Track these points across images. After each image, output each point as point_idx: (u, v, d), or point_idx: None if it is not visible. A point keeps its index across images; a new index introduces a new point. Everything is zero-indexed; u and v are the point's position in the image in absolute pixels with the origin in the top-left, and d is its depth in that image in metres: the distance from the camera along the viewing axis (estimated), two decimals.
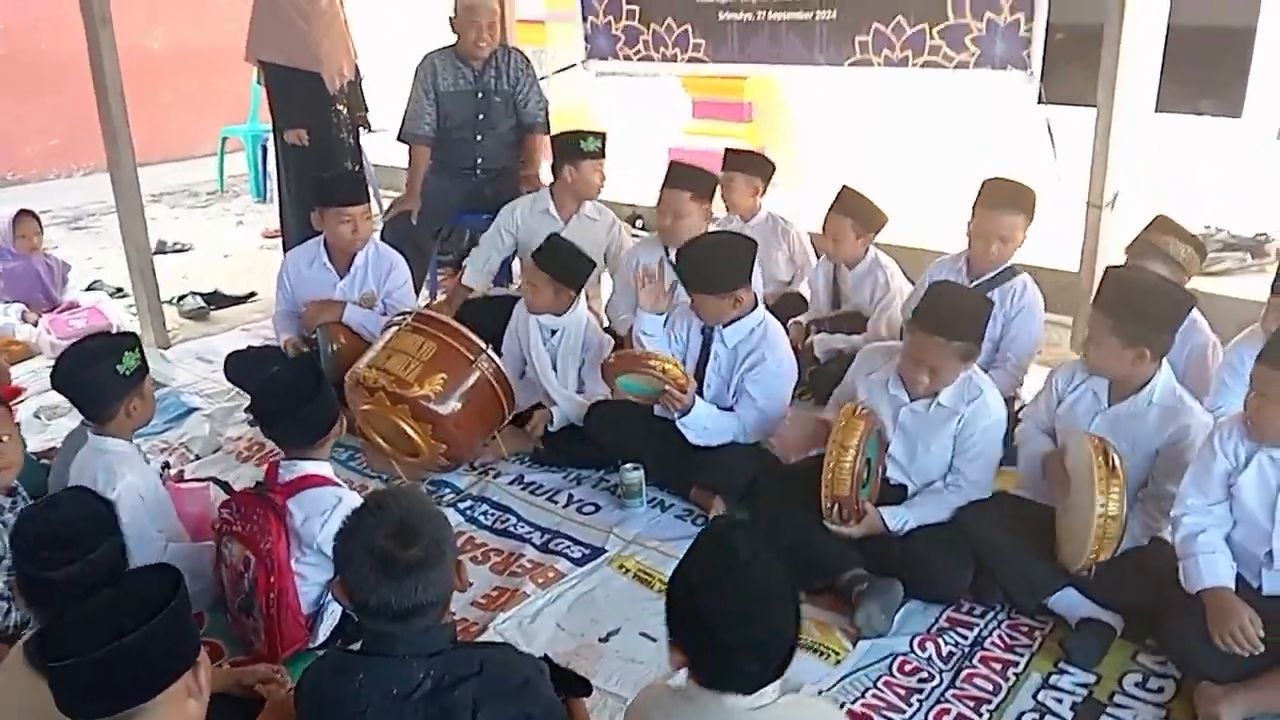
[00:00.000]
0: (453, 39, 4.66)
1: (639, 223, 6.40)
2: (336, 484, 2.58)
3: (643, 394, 3.16)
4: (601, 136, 4.25)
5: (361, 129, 5.21)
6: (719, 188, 4.16)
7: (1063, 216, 4.16)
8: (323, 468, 2.57)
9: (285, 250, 5.40)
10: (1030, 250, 3.60)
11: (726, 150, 4.50)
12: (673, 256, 3.81)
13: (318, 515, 2.44)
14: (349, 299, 3.87)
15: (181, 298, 5.25)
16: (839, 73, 4.70)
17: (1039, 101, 5.82)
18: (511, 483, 3.49)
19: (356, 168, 5.15)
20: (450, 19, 4.66)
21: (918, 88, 5.76)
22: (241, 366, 3.88)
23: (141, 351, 2.68)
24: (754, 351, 3.20)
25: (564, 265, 3.55)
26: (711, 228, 3.94)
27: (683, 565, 1.71)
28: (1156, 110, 4.87)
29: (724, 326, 3.23)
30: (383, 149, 7.40)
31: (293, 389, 2.54)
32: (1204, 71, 5.66)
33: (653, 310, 3.38)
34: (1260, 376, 2.29)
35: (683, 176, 3.88)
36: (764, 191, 4.41)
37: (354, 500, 2.44)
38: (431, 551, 1.75)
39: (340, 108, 5.01)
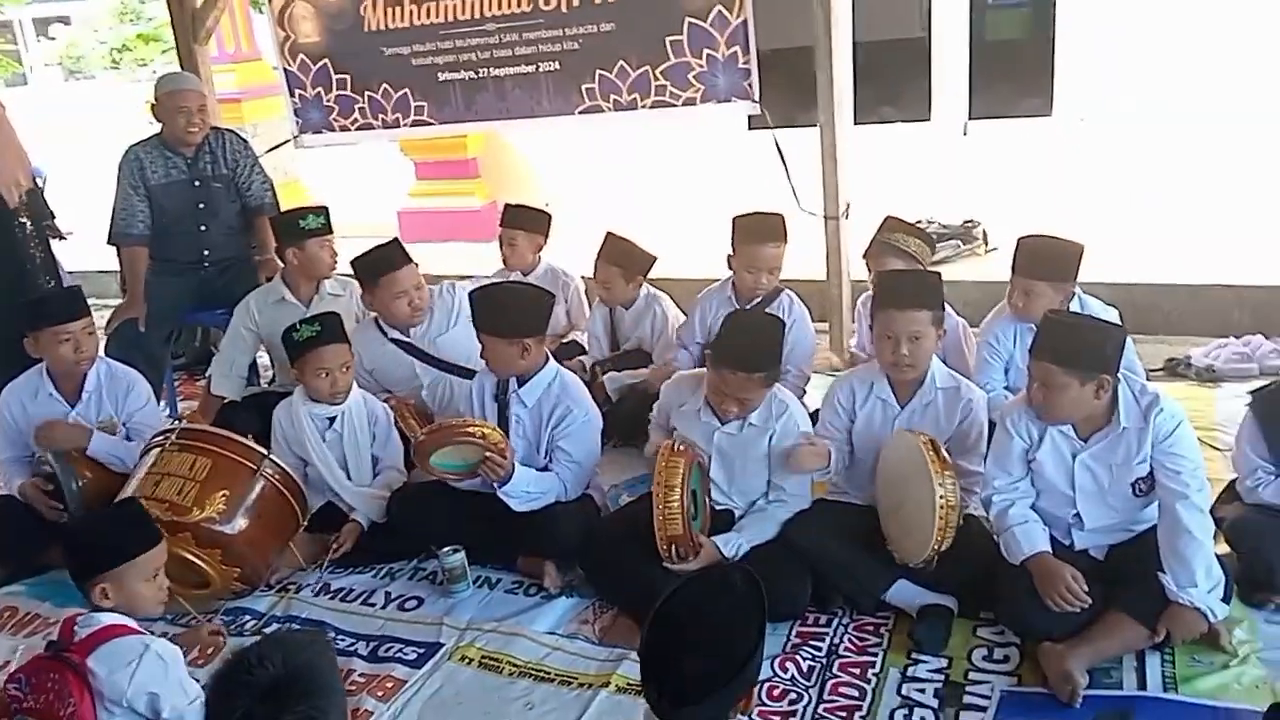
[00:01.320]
0: (156, 128, 4.30)
1: None
2: (140, 632, 2.26)
3: (459, 470, 2.99)
4: (323, 211, 4.04)
5: (52, 239, 4.67)
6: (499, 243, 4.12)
7: (798, 230, 4.38)
8: (124, 619, 2.25)
9: None
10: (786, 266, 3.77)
11: (506, 207, 4.44)
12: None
13: (123, 667, 2.14)
14: (89, 427, 3.44)
15: None
16: (569, 121, 4.73)
17: (750, 127, 6.23)
18: (318, 594, 3.18)
19: (52, 282, 4.62)
20: (151, 105, 4.30)
21: (642, 124, 5.98)
22: None
23: None
24: (557, 406, 3.12)
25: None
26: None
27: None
28: (855, 123, 5.24)
29: (519, 387, 3.14)
30: (84, 255, 6.77)
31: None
32: (890, 82, 6.22)
33: None
34: (1039, 371, 2.48)
35: (386, 260, 3.69)
36: (544, 245, 4.40)
37: (162, 647, 2.22)
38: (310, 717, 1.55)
39: (23, 220, 4.47)
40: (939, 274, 3.00)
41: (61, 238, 4.71)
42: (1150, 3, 5.51)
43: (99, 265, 6.59)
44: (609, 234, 4.07)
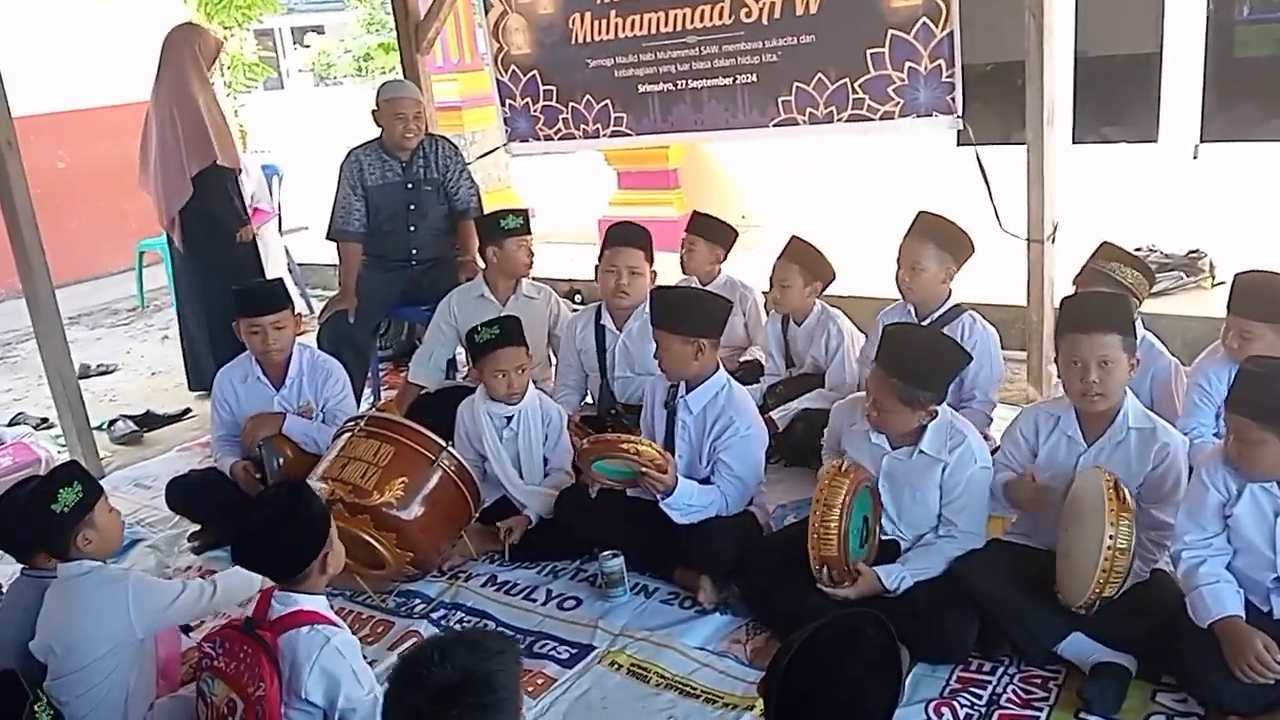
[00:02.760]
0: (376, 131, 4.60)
1: (578, 297, 6.34)
2: (331, 620, 2.35)
3: (621, 477, 3.04)
4: (522, 214, 4.20)
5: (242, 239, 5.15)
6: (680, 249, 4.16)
7: (1001, 253, 4.18)
8: (318, 602, 2.36)
9: (189, 375, 5.33)
10: (977, 288, 3.59)
11: (693, 214, 4.47)
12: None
13: (305, 663, 2.23)
14: (288, 411, 3.70)
15: (112, 422, 4.98)
16: (764, 133, 4.70)
17: (959, 144, 5.98)
18: (485, 584, 3.31)
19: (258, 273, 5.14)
20: (373, 112, 4.59)
21: (847, 141, 5.88)
22: (184, 493, 3.67)
23: (83, 482, 2.54)
24: (720, 416, 3.11)
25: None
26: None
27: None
28: (1074, 142, 4.97)
29: (687, 392, 3.15)
30: (310, 248, 7.33)
31: (266, 521, 2.35)
32: (1115, 100, 5.84)
33: None
34: (1234, 424, 2.28)
35: (629, 235, 3.82)
36: (725, 258, 4.40)
37: (344, 640, 2.30)
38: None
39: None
40: (1125, 296, 2.79)
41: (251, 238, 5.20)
42: None
43: (325, 259, 7.12)
44: (794, 237, 4.01)
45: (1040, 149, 4.02)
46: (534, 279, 4.42)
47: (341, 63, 23.75)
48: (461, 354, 4.59)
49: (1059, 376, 3.77)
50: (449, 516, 3.23)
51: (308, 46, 26.13)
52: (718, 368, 3.17)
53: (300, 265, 6.96)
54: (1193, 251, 4.98)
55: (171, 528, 3.87)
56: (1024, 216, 4.13)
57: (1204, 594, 2.35)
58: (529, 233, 4.20)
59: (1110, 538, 2.34)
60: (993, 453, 2.95)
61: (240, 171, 5.20)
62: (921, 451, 2.80)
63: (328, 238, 4.71)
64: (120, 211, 8.37)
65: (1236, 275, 2.93)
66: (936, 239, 3.47)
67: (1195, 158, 5.54)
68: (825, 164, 6.54)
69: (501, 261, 4.15)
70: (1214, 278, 4.94)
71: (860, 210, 6.44)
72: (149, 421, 5.02)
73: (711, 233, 4.35)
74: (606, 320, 3.87)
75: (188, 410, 5.16)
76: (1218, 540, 2.41)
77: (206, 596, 2.63)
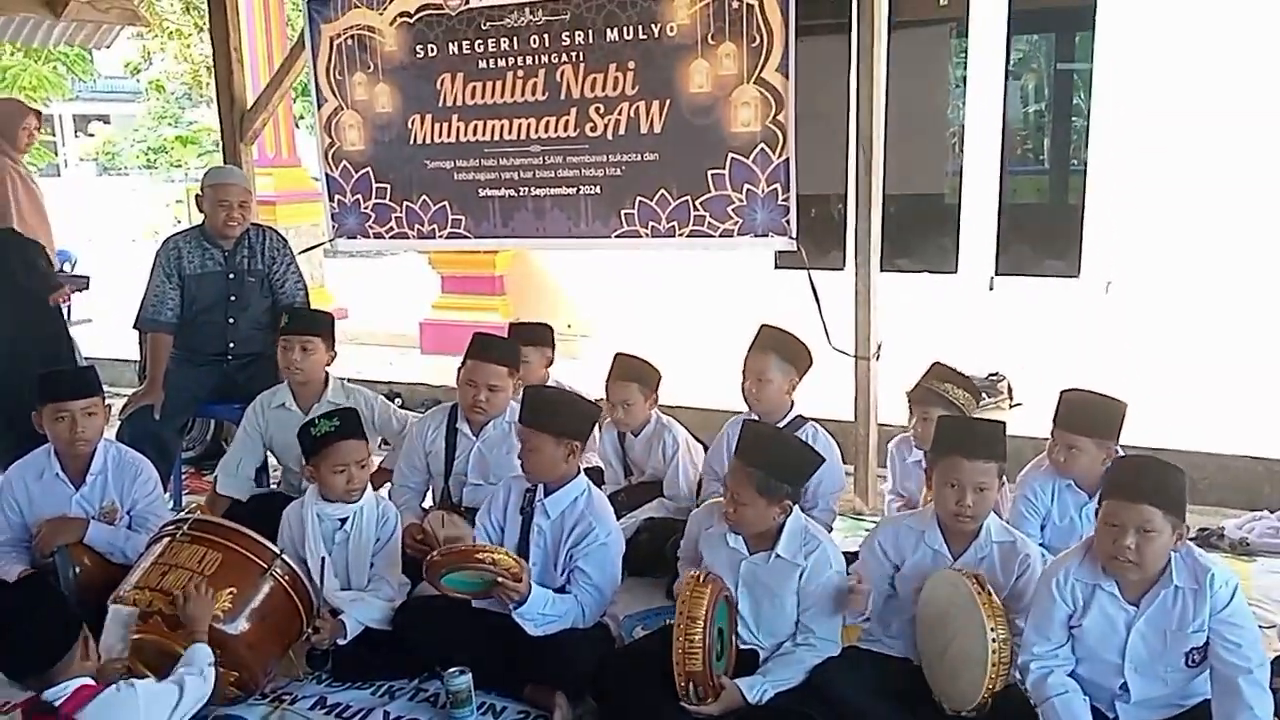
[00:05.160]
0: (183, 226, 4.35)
1: (398, 401, 6.10)
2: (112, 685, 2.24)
3: (471, 589, 2.88)
4: (293, 312, 4.04)
5: (78, 291, 4.77)
6: None
7: (824, 370, 4.35)
8: (86, 680, 2.22)
9: None
10: (802, 402, 3.71)
11: (510, 325, 4.41)
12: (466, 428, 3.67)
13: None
14: (89, 513, 3.35)
15: None
16: (608, 243, 4.77)
17: (776, 266, 6.30)
18: (313, 707, 3.01)
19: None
20: (196, 197, 4.35)
21: (673, 258, 6.06)
22: None
23: None
24: (580, 522, 3.02)
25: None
26: None
27: None
28: (884, 270, 5.31)
29: (546, 496, 3.05)
30: (103, 342, 6.77)
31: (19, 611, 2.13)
32: (917, 233, 6.33)
33: None
34: (1111, 511, 2.37)
35: (494, 349, 3.68)
36: (552, 361, 4.35)
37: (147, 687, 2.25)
38: None
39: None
40: (1004, 424, 2.95)
41: (85, 287, 4.80)
42: (1182, 174, 5.61)
43: (117, 353, 6.58)
44: (619, 354, 4.02)
45: (867, 273, 4.27)
46: (350, 380, 4.21)
47: (129, 153, 22.65)
48: (272, 460, 4.28)
49: (890, 491, 3.98)
50: (279, 631, 2.95)
51: (91, 135, 24.82)
52: (578, 472, 3.10)
53: (87, 359, 6.39)
54: (993, 374, 5.38)
55: None
56: (846, 336, 4.35)
57: (1055, 705, 2.44)
58: (298, 332, 3.86)
59: (992, 630, 2.42)
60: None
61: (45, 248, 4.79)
62: (778, 555, 2.82)
63: (135, 327, 4.37)
64: None
65: (1063, 392, 3.17)
66: (780, 351, 3.59)
67: (991, 289, 6.05)
68: (648, 278, 6.71)
69: (283, 364, 3.90)
70: (1012, 399, 5.34)
71: (682, 323, 6.61)
72: None
73: (536, 337, 4.30)
74: (462, 425, 3.72)
75: None
76: (1063, 650, 2.51)
77: None
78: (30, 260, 4.62)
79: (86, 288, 5.13)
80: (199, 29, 16.06)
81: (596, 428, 4.32)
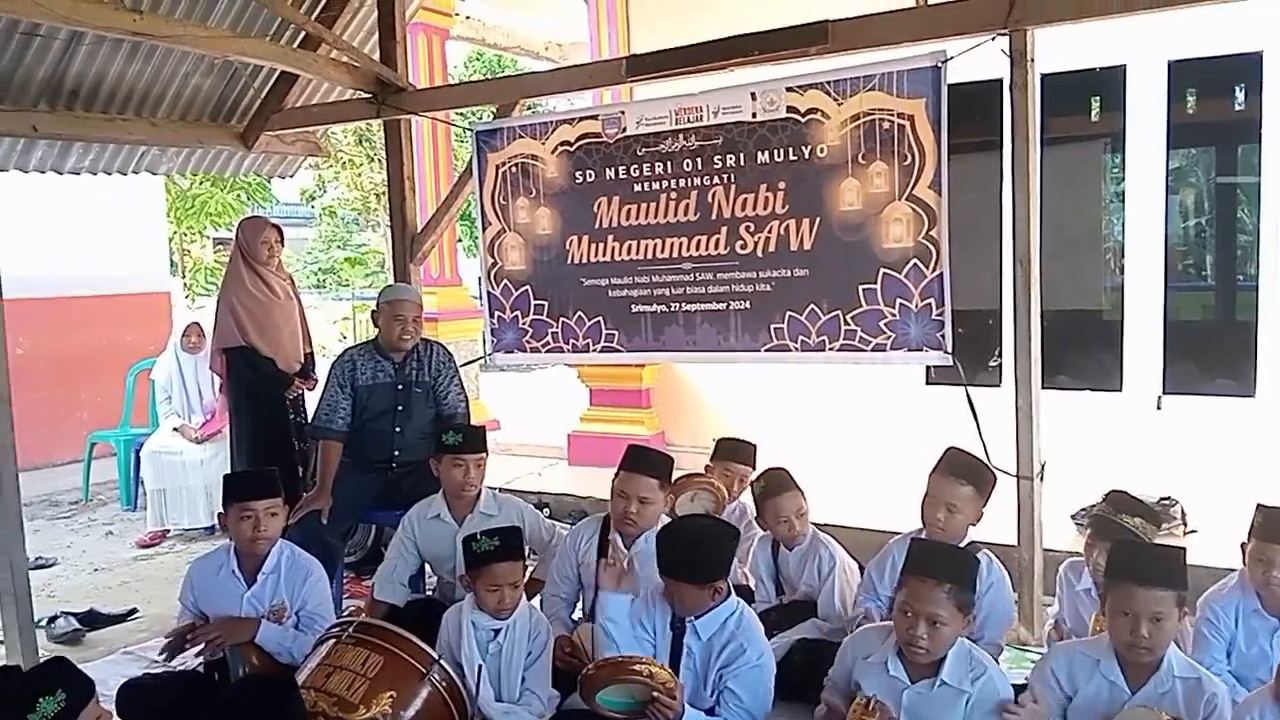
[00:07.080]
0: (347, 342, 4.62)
1: (546, 511, 6.19)
2: None
3: (626, 709, 2.85)
4: (466, 430, 4.08)
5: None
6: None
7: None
8: None
9: None
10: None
11: (718, 441, 4.54)
12: (617, 535, 3.67)
13: None
14: (258, 611, 3.50)
15: (51, 619, 4.61)
16: (757, 357, 4.80)
17: (928, 382, 6.19)
18: None
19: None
20: (372, 313, 4.63)
21: (819, 372, 6.03)
22: (137, 699, 3.36)
23: (69, 688, 2.29)
24: (730, 643, 2.99)
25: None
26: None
27: None
28: (1043, 387, 5.15)
29: (697, 618, 3.02)
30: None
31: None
32: (1077, 350, 6.13)
33: (617, 590, 3.15)
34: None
35: (646, 462, 3.72)
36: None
37: None
38: None
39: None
40: (1184, 549, 2.80)
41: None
42: None
43: None
44: (770, 470, 4.06)
45: (1029, 389, 4.15)
46: (501, 489, 4.31)
47: (300, 274, 24.19)
48: (427, 568, 4.40)
49: (1053, 616, 3.78)
50: None
51: None
52: (729, 593, 3.07)
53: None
54: (1164, 499, 5.08)
55: None
56: (1001, 454, 4.20)
57: None
58: (472, 451, 3.98)
59: None
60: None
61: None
62: (944, 683, 2.70)
63: (309, 434, 4.61)
64: (73, 401, 8.16)
65: (1259, 505, 3.03)
66: (972, 479, 3.46)
67: (1159, 407, 5.77)
68: (797, 393, 6.68)
69: (443, 479, 4.04)
70: (1186, 525, 5.03)
71: (831, 438, 6.54)
72: (92, 620, 4.67)
73: (738, 455, 4.42)
74: (614, 536, 3.75)
75: (134, 610, 4.83)
76: None
77: None
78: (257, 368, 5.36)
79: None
80: (370, 159, 17.32)
81: (751, 543, 4.31)
